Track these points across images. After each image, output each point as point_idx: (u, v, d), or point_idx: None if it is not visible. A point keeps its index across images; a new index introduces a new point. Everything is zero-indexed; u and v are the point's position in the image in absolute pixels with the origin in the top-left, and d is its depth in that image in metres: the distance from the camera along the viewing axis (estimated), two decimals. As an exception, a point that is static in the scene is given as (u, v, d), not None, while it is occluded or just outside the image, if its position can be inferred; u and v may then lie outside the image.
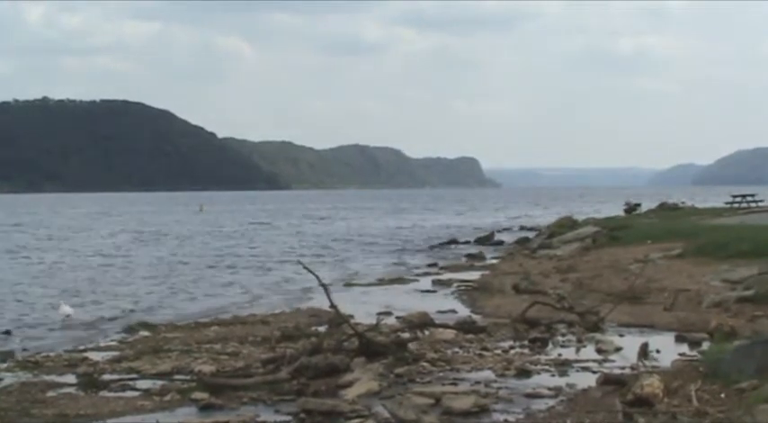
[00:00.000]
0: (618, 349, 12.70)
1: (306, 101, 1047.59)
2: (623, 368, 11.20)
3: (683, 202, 46.27)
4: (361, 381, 10.45)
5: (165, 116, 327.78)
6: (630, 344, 12.75)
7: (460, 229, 53.39)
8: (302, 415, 9.20)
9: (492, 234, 42.65)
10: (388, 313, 16.59)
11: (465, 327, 14.38)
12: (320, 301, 16.41)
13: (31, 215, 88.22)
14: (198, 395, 10.06)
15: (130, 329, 15.80)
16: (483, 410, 9.26)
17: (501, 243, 38.76)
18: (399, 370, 11.23)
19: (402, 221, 67.09)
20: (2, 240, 46.87)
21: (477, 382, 10.62)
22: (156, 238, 48.30)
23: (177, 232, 54.60)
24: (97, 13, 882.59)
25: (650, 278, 17.93)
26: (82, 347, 13.99)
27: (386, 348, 11.93)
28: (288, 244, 42.25)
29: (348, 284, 23.39)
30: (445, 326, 14.39)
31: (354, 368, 11.15)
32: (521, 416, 9.08)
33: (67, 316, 17.11)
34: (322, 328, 14.51)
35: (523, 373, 11.14)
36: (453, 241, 41.05)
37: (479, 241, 39.94)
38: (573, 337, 13.79)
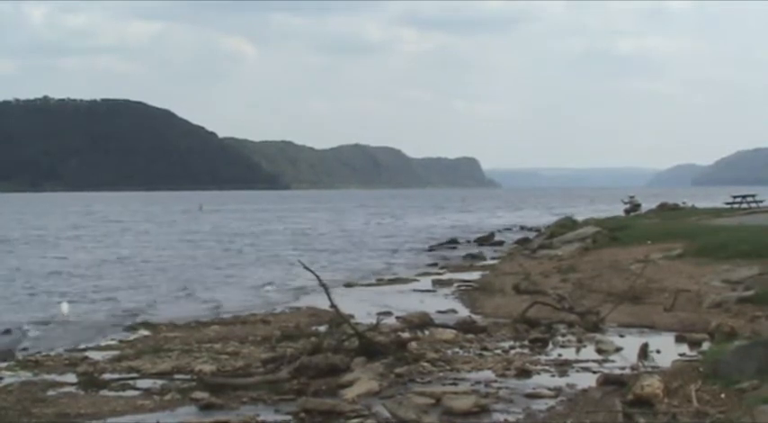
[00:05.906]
0: (618, 349, 12.71)
1: (306, 101, 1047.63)
2: (623, 368, 11.22)
3: (683, 203, 46.10)
4: (362, 380, 10.45)
5: (166, 116, 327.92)
6: (631, 344, 12.77)
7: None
8: (302, 414, 9.21)
9: (492, 234, 42.71)
10: (389, 313, 16.58)
11: (465, 327, 14.38)
12: (320, 301, 16.41)
13: (91, 215, 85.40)
14: (198, 395, 10.07)
15: (131, 328, 15.82)
16: (483, 410, 9.27)
17: (501, 243, 38.81)
18: (399, 370, 11.23)
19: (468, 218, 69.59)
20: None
21: (478, 383, 10.63)
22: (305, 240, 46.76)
23: (295, 230, 55.01)
24: (99, 14, 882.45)
25: (650, 278, 17.89)
26: (82, 346, 14.00)
27: (386, 348, 11.94)
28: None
29: (348, 284, 23.40)
30: (445, 326, 14.39)
31: (354, 368, 11.15)
32: (521, 416, 9.09)
33: (66, 315, 17.12)
34: (322, 328, 14.50)
35: (524, 374, 11.15)
36: (454, 241, 41.09)
37: (480, 241, 40.01)
38: (573, 338, 13.79)
